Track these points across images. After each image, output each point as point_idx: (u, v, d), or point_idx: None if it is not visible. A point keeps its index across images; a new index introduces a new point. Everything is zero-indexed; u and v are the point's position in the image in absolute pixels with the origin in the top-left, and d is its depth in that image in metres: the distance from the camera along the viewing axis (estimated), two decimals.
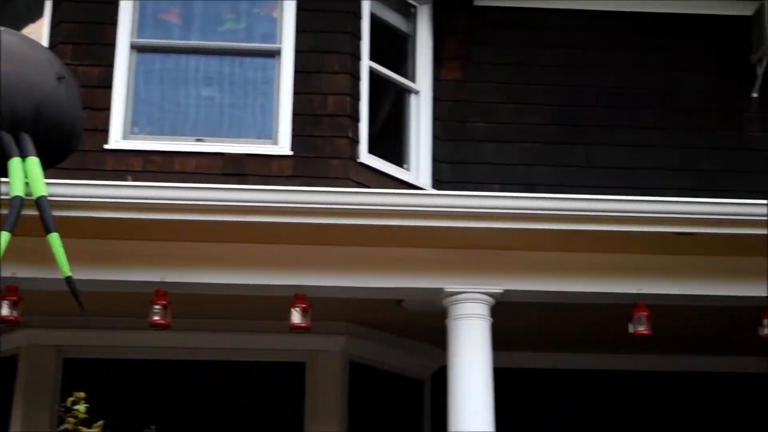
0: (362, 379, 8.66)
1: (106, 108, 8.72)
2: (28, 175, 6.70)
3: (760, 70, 9.74)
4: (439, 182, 9.42)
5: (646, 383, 9.49)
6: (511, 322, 7.78)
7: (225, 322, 8.38)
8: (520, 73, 9.80)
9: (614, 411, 9.41)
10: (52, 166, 7.21)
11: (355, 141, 8.85)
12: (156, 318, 7.08)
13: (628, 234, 7.05)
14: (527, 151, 9.63)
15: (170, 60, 9.09)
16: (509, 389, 8.90)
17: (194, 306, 7.74)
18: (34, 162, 6.80)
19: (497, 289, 7.24)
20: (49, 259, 6.56)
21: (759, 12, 9.71)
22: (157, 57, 9.07)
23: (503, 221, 6.98)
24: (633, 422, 9.42)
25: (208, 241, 7.08)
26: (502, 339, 7.46)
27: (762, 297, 7.27)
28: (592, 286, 7.31)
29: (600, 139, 9.70)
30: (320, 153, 8.72)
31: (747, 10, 9.90)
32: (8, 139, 6.93)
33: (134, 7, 9.04)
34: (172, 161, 8.60)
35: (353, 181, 8.68)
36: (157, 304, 7.09)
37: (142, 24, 9.06)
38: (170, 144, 8.71)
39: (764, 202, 7.05)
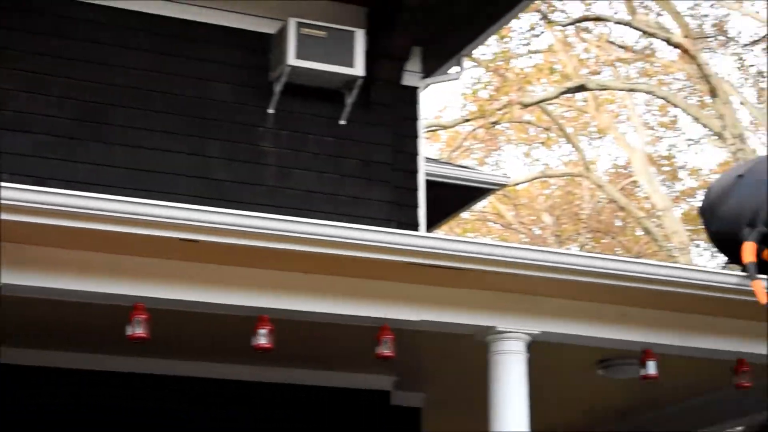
0: None
1: None
2: None
3: (277, 88, 10.01)
4: None
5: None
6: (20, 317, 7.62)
7: None
8: (41, 63, 9.52)
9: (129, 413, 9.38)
10: None
11: None
12: None
13: (133, 236, 7.07)
14: (42, 144, 9.39)
15: None
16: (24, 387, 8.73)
17: None
18: None
19: None
20: None
21: (281, 32, 9.97)
22: None
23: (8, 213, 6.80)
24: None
25: None
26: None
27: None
28: (93, 286, 7.29)
29: (121, 139, 9.64)
30: None
31: (271, 28, 10.13)
32: None
33: None
34: None
35: None
36: None
37: None
38: None
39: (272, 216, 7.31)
